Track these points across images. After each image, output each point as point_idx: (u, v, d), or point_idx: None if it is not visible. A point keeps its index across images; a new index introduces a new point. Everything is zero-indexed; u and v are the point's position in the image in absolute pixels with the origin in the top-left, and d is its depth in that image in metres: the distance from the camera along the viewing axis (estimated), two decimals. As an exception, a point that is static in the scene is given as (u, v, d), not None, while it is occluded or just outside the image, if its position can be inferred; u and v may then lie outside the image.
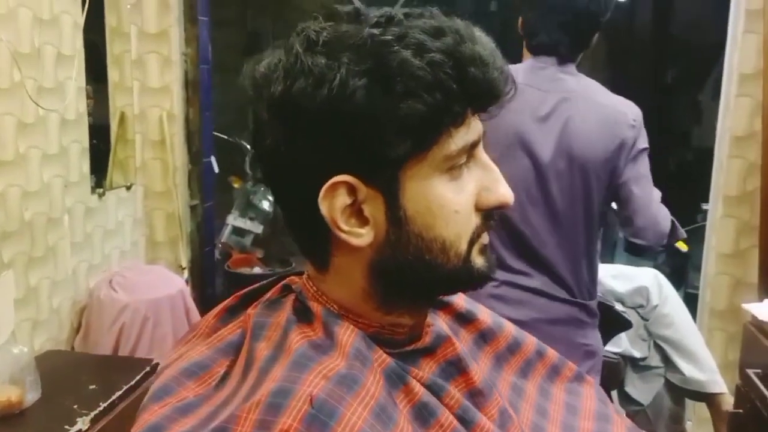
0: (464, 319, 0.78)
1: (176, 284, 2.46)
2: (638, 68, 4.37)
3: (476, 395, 0.66)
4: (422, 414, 0.60)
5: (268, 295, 0.67)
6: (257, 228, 3.79)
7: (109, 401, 1.71)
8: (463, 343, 0.72)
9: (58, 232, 2.16)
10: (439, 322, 0.71)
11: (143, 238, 2.79)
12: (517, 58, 1.57)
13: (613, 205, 1.59)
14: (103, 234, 2.47)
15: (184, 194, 2.84)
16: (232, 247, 3.79)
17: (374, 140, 0.56)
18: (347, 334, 0.60)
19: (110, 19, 2.52)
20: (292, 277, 0.70)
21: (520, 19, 1.58)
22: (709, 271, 2.47)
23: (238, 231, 3.79)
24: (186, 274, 2.79)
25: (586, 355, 1.54)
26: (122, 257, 2.61)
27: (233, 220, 3.78)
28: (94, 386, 1.80)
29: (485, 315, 0.80)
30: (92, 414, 1.64)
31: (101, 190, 2.45)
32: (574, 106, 1.47)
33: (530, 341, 0.83)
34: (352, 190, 0.58)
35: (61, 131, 2.16)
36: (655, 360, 2.16)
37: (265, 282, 0.71)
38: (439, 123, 0.57)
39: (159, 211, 2.80)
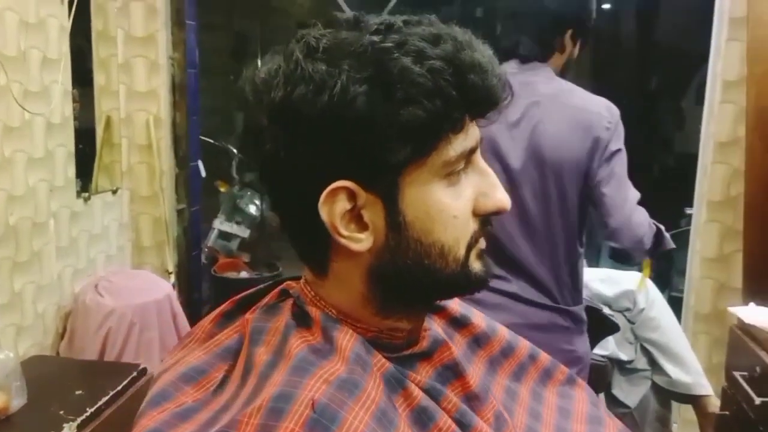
0: (458, 323, 0.78)
1: (163, 289, 2.45)
2: (623, 75, 4.41)
3: (472, 399, 0.67)
4: (421, 418, 0.60)
5: (266, 299, 0.67)
6: (243, 232, 3.78)
7: (96, 407, 1.70)
8: (457, 347, 0.72)
9: (43, 236, 2.14)
10: (435, 327, 0.71)
11: (129, 243, 2.77)
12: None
13: None
14: (89, 238, 2.45)
15: (171, 198, 2.83)
16: (218, 251, 3.77)
17: (375, 146, 0.56)
18: (347, 339, 0.60)
19: (96, 23, 2.50)
20: (289, 282, 0.69)
21: None
22: (693, 275, 2.50)
23: (224, 235, 3.78)
24: (173, 278, 2.77)
25: (571, 362, 1.52)
26: (108, 262, 2.59)
27: (219, 224, 3.76)
28: (80, 392, 1.78)
29: (479, 319, 0.81)
30: (79, 420, 1.63)
31: (87, 195, 2.43)
32: (544, 110, 1.47)
33: (523, 345, 0.83)
34: (351, 195, 0.58)
35: (46, 135, 2.14)
36: (641, 363, 2.18)
37: (261, 287, 0.71)
38: (439, 129, 0.57)
39: (145, 215, 2.78)
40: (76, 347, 2.25)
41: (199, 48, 2.91)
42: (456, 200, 0.60)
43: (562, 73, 1.60)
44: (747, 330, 1.73)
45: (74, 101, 2.34)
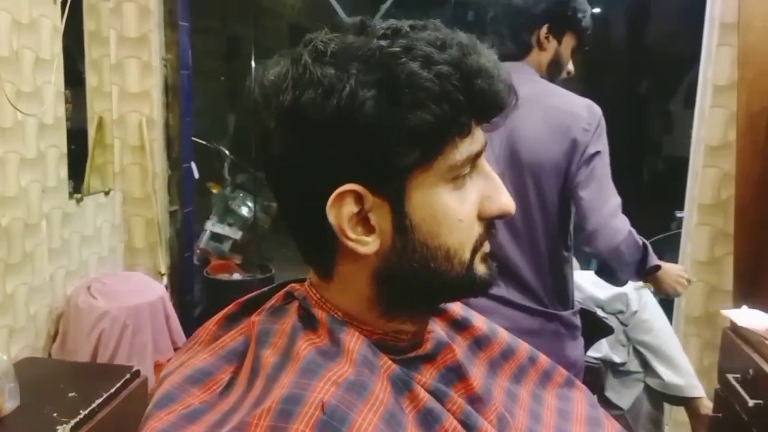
0: (460, 325, 0.79)
1: (156, 291, 2.44)
2: (613, 79, 4.44)
3: (476, 401, 0.67)
4: (427, 420, 0.60)
5: (271, 302, 0.67)
6: (236, 234, 3.77)
7: (90, 409, 1.69)
8: (459, 349, 0.73)
9: (35, 238, 2.13)
10: (438, 329, 0.72)
11: (122, 244, 2.76)
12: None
13: None
14: (81, 240, 2.44)
15: (164, 200, 2.82)
16: (210, 252, 3.76)
17: (383, 150, 0.56)
18: (353, 341, 0.60)
19: (89, 23, 2.49)
20: (294, 285, 0.70)
21: None
22: (684, 278, 2.52)
23: (216, 237, 3.77)
24: (165, 280, 2.76)
25: (564, 368, 1.52)
26: (100, 263, 2.58)
27: (212, 225, 3.75)
28: (73, 394, 1.77)
29: (480, 321, 0.81)
30: (72, 422, 1.62)
31: (79, 196, 2.42)
32: (522, 112, 1.46)
33: (523, 347, 0.84)
34: (359, 199, 0.59)
35: (39, 136, 2.13)
36: (634, 365, 2.20)
37: (265, 289, 0.71)
38: (446, 134, 0.58)
39: (138, 217, 2.77)
40: (68, 349, 2.24)
41: (191, 50, 2.90)
42: (461, 204, 0.61)
43: (552, 76, 1.59)
44: (740, 333, 1.74)
45: (67, 102, 2.33)
